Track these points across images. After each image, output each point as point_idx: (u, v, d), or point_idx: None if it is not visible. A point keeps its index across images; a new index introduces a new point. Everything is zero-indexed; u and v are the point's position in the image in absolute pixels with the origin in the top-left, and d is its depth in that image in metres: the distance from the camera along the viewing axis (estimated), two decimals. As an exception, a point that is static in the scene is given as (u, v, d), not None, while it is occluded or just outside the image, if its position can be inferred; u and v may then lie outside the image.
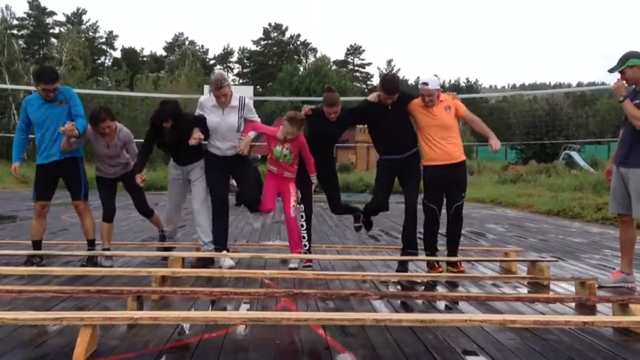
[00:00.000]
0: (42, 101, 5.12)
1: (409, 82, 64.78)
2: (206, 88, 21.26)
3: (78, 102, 5.26)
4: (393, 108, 5.20)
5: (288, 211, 5.33)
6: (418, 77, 59.26)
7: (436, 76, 5.31)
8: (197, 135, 5.10)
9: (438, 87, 5.11)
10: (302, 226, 5.39)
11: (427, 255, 5.26)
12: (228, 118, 5.22)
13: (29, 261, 5.19)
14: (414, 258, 5.28)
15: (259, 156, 15.72)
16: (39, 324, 3.20)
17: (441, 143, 5.07)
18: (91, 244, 5.46)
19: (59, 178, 5.34)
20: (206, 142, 5.43)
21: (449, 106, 5.12)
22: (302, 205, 5.40)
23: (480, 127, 5.32)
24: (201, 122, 5.26)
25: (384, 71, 66.80)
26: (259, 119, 5.50)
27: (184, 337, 3.23)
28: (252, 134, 5.28)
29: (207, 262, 5.27)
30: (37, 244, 5.39)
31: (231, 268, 5.07)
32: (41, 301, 3.84)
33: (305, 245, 5.38)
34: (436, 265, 5.18)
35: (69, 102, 5.17)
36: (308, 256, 5.27)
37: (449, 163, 5.08)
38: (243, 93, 6.34)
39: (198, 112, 5.35)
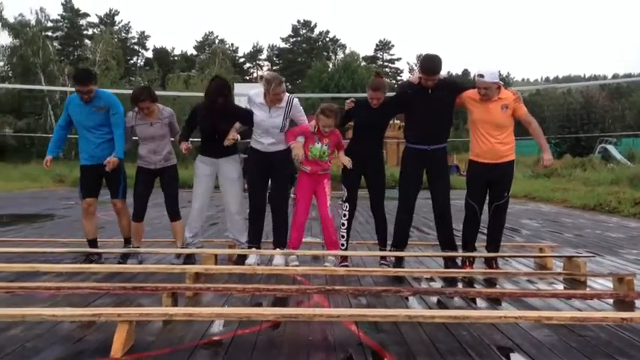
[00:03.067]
0: (82, 102, 5.20)
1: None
2: (237, 85, 21.42)
3: (118, 109, 5.25)
4: (434, 93, 4.98)
5: (325, 211, 5.23)
6: (449, 72, 58.76)
7: (501, 76, 5.06)
8: (232, 136, 5.10)
9: (496, 80, 4.88)
10: (343, 225, 5.29)
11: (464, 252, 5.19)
12: (274, 118, 5.16)
13: (88, 259, 5.31)
14: (447, 254, 5.21)
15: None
16: (77, 320, 3.28)
17: (490, 141, 4.92)
18: (127, 242, 5.56)
19: (102, 177, 5.43)
20: (248, 140, 5.43)
21: (507, 105, 4.91)
22: (347, 204, 5.28)
23: (536, 132, 5.09)
24: (246, 117, 5.22)
25: (414, 66, 66.21)
26: (306, 119, 5.34)
27: (218, 333, 3.27)
28: (300, 139, 5.14)
29: (243, 260, 5.32)
30: (92, 243, 5.51)
31: (249, 264, 5.09)
32: (79, 298, 3.92)
33: (343, 245, 5.28)
34: (467, 264, 5.12)
35: (109, 109, 5.23)
36: (341, 252, 5.22)
37: (493, 162, 4.94)
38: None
39: (246, 105, 5.30)
